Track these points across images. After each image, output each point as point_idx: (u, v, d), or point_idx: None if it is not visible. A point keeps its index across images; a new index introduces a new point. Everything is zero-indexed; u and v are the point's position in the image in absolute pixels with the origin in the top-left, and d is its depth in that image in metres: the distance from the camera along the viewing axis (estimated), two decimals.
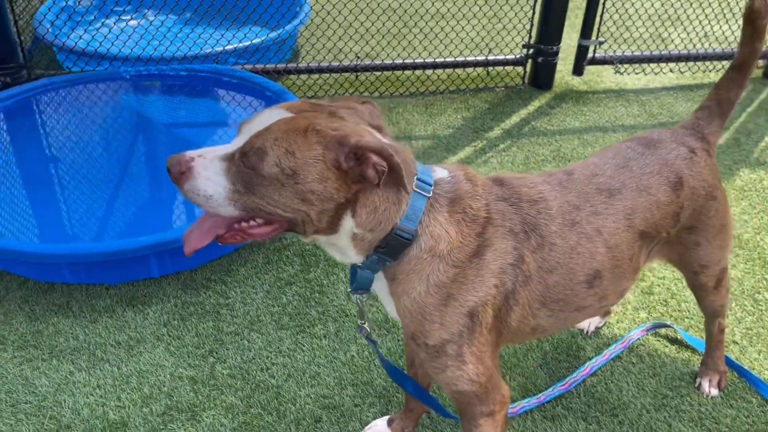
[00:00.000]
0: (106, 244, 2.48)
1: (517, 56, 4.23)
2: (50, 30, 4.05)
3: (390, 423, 2.05)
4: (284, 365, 2.28)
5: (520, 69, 4.32)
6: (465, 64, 4.19)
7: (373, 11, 4.35)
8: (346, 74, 4.16)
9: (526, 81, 4.28)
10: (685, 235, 1.80)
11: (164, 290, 2.58)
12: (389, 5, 4.60)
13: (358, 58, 4.20)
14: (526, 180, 1.59)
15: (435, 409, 1.90)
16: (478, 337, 1.50)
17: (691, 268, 1.93)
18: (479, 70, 4.32)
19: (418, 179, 1.43)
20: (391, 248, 1.42)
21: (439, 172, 1.50)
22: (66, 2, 4.51)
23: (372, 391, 2.19)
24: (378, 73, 4.15)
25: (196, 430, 2.06)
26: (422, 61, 4.16)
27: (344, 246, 1.44)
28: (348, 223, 1.39)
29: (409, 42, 4.43)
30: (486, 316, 1.49)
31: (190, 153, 1.36)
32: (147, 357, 2.31)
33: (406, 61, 4.13)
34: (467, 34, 4.51)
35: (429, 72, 4.31)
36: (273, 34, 4.10)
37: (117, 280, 2.59)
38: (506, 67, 4.35)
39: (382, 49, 4.37)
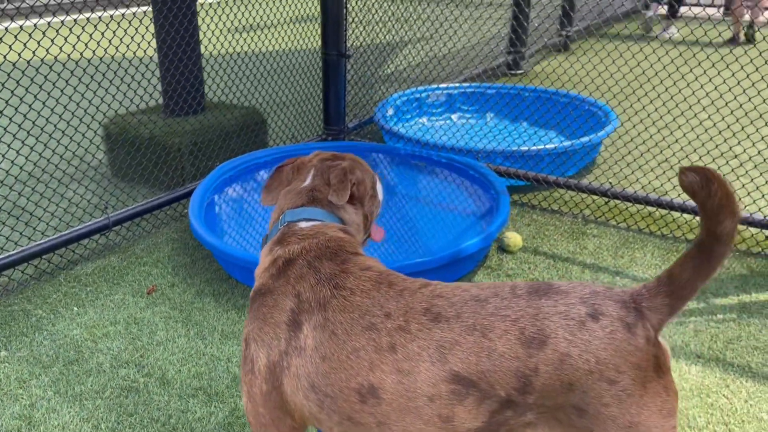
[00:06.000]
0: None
1: None
2: (390, 116, 4.95)
3: None
4: None
5: None
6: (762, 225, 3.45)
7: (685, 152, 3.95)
8: (627, 203, 3.86)
9: None
10: (575, 417, 1.36)
11: None
12: (706, 153, 4.11)
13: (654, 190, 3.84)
14: (365, 267, 1.52)
15: None
16: (248, 374, 1.47)
17: None
18: None
19: (283, 216, 1.68)
20: None
21: (301, 223, 1.66)
22: (420, 95, 5.38)
23: None
24: (666, 212, 3.78)
25: None
26: None
27: None
28: None
29: None
30: (258, 359, 1.45)
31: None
32: None
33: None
34: None
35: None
36: (554, 147, 4.12)
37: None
38: None
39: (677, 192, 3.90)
